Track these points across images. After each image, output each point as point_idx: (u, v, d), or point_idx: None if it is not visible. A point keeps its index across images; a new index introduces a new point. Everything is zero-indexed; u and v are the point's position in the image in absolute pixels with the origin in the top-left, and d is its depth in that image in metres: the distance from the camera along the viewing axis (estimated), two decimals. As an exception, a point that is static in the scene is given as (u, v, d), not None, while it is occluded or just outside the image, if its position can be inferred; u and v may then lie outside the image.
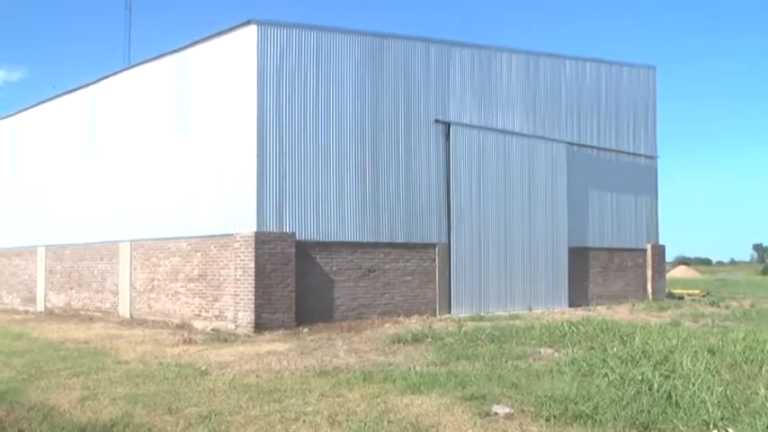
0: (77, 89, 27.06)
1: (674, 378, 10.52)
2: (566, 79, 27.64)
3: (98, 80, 25.93)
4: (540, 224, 26.00)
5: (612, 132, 29.37)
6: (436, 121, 23.18)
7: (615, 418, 8.72)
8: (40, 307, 28.36)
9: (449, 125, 23.48)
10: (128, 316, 23.29)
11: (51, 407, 12.14)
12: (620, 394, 9.72)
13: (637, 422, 8.59)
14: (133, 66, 24.65)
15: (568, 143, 27.31)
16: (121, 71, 25.03)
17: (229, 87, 20.21)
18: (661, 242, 31.43)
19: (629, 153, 29.98)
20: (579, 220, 27.62)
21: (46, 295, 28.21)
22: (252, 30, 19.49)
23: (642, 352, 12.56)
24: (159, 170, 22.63)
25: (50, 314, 26.69)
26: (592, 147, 28.43)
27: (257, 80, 19.31)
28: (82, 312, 25.55)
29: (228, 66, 20.28)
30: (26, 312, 27.96)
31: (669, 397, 9.43)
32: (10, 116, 31.55)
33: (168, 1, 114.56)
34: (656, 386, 9.91)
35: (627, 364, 11.62)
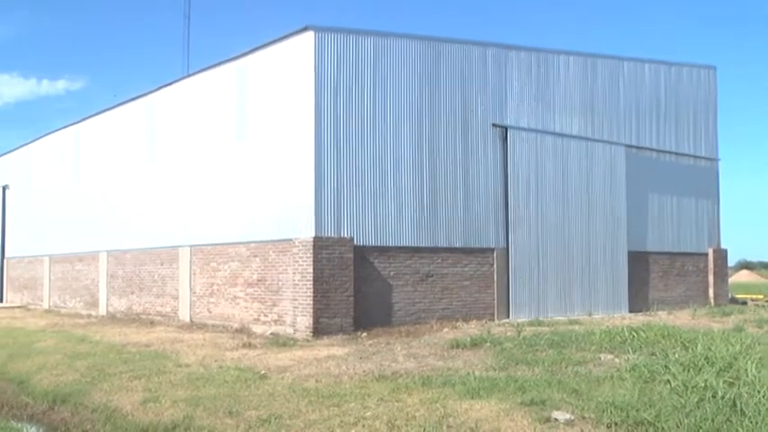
0: (137, 97, 27.49)
1: (738, 385, 10.23)
2: (624, 81, 27.30)
3: (158, 88, 26.31)
4: (599, 228, 25.70)
5: (672, 134, 28.93)
6: (494, 125, 23.06)
7: (678, 426, 8.58)
8: (102, 311, 28.83)
9: (506, 129, 23.34)
10: (188, 320, 23.56)
11: (114, 408, 12.37)
12: (683, 401, 9.55)
13: (700, 430, 8.45)
14: (192, 74, 24.96)
15: (627, 146, 26.96)
16: (180, 79, 25.37)
17: (287, 94, 20.34)
18: (723, 246, 30.84)
19: (689, 155, 29.48)
20: (639, 223, 27.24)
21: (108, 299, 28.67)
22: (309, 36, 19.59)
23: (705, 358, 12.26)
24: (218, 176, 22.86)
25: (112, 318, 27.13)
26: (651, 149, 28.02)
27: (314, 86, 19.40)
28: (143, 316, 25.92)
29: (286, 72, 20.41)
30: (89, 316, 28.45)
31: (734, 405, 9.21)
32: (73, 125, 32.20)
33: (225, 8, 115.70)
34: (720, 393, 9.68)
35: (689, 371, 11.36)
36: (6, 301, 37.60)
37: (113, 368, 15.21)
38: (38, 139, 35.49)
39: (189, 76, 25.14)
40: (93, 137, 30.53)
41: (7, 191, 38.27)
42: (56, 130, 33.73)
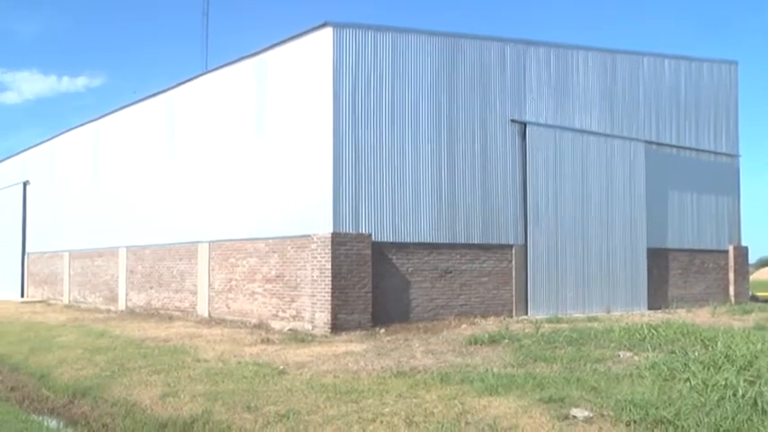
0: (157, 94, 27.61)
1: (759, 384, 10.14)
2: (644, 77, 27.15)
3: (177, 85, 26.41)
4: (618, 224, 25.58)
5: (692, 130, 28.74)
6: (512, 121, 23.00)
7: (698, 425, 8.51)
8: (121, 306, 28.99)
9: (525, 125, 23.27)
10: (206, 315, 23.66)
11: (133, 403, 12.43)
12: (703, 400, 9.48)
13: (720, 429, 8.38)
14: (211, 70, 25.02)
15: (647, 142, 26.81)
16: (199, 76, 25.45)
17: (306, 89, 20.36)
18: (744, 243, 30.63)
19: (709, 151, 29.28)
20: (658, 220, 27.09)
21: (127, 294, 28.83)
22: (328, 32, 19.61)
23: (725, 356, 12.17)
24: (237, 172, 22.92)
25: (131, 313, 27.27)
26: (671, 145, 27.85)
27: (333, 82, 19.42)
28: (161, 311, 26.04)
29: (305, 68, 20.44)
30: (108, 311, 28.62)
31: (755, 403, 9.13)
32: (93, 121, 32.38)
33: (243, 4, 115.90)
34: (740, 392, 9.61)
35: (709, 369, 11.28)
36: (27, 296, 37.89)
37: (133, 363, 15.28)
38: (58, 135, 35.73)
39: (208, 72, 25.21)
40: (113, 133, 30.68)
41: (28, 187, 38.55)
42: (76, 127, 33.93)
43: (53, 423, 12.44)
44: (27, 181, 38.61)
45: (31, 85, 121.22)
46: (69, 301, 33.36)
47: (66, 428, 12.12)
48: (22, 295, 38.35)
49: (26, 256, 38.61)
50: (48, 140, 36.94)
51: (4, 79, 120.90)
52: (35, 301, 35.30)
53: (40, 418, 12.76)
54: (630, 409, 9.13)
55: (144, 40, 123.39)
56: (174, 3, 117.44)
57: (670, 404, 9.27)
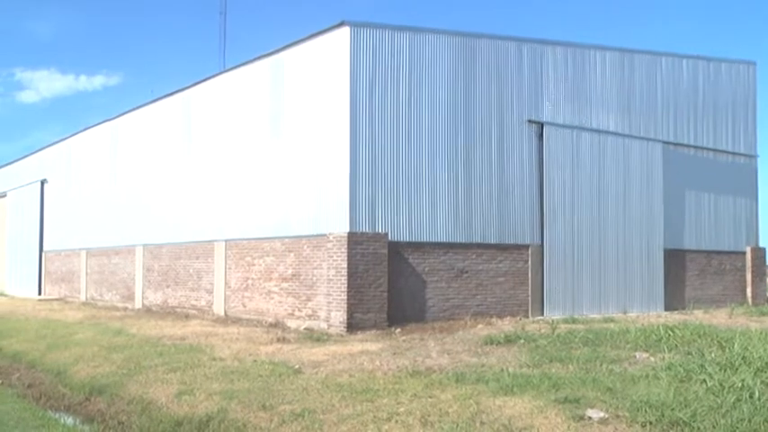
0: (174, 93, 27.69)
1: (776, 386, 10.11)
2: (661, 77, 27.01)
3: (194, 84, 26.49)
4: (634, 225, 25.46)
5: (710, 131, 28.58)
6: (529, 121, 22.94)
7: (714, 427, 8.45)
8: (137, 304, 29.11)
9: (542, 125, 23.21)
10: (222, 314, 23.71)
11: (149, 401, 12.48)
12: (719, 402, 9.39)
13: (737, 431, 8.33)
14: (228, 69, 25.06)
15: (664, 142, 26.68)
16: (217, 75, 25.50)
17: (322, 89, 20.38)
18: (761, 244, 30.46)
19: (727, 152, 29.10)
20: (675, 221, 26.95)
21: (143, 293, 28.94)
22: (345, 31, 19.61)
23: (742, 358, 12.07)
24: (253, 171, 22.97)
25: (148, 311, 27.36)
26: (688, 146, 27.71)
27: (350, 81, 19.42)
28: (178, 310, 26.12)
29: (321, 67, 20.45)
30: (125, 309, 28.73)
31: (772, 405, 9.08)
32: (110, 120, 32.52)
33: (260, 2, 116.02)
34: (757, 394, 9.55)
35: (726, 371, 11.18)
36: (45, 294, 38.09)
37: (149, 361, 15.34)
38: (76, 134, 35.91)
39: (225, 71, 25.25)
40: (131, 132, 30.81)
41: (46, 185, 38.76)
42: (93, 126, 34.09)
43: (70, 420, 12.51)
44: (45, 179, 38.83)
45: (48, 84, 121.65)
46: (86, 299, 33.52)
47: (83, 425, 12.18)
48: (40, 293, 38.57)
49: (43, 255, 38.82)
50: (65, 139, 37.14)
51: (23, 78, 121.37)
52: (52, 299, 35.48)
53: (57, 414, 12.84)
54: (646, 411, 9.08)
55: (161, 40, 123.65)
56: (192, 2, 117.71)
57: (686, 405, 9.21)
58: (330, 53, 20.11)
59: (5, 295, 40.27)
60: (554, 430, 8.83)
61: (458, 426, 9.13)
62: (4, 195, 44.60)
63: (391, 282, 19.51)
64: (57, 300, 35.16)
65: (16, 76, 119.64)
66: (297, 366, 13.69)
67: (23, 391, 15.01)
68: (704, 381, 10.63)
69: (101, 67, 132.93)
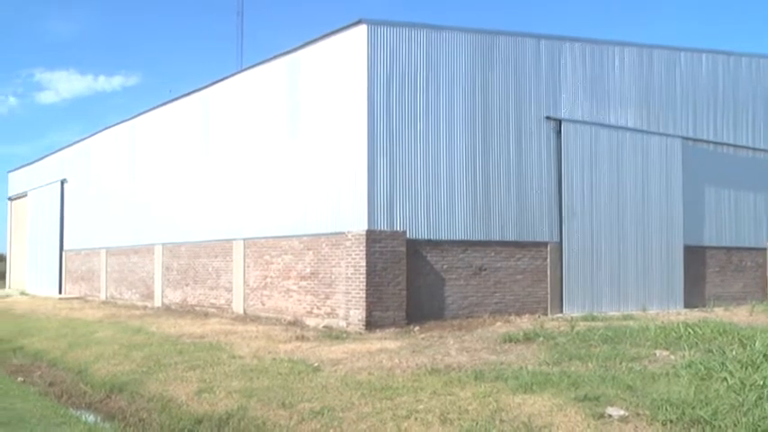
0: (192, 93, 27.80)
1: (798, 384, 10.02)
2: (680, 72, 26.83)
3: (212, 83, 26.58)
4: (654, 222, 25.31)
5: (730, 126, 28.35)
6: (547, 117, 22.84)
7: (735, 425, 8.39)
8: (157, 303, 29.24)
9: (560, 122, 23.11)
10: (241, 312, 23.77)
11: (169, 398, 12.55)
12: (741, 400, 9.33)
13: (758, 429, 8.26)
14: (245, 69, 25.13)
15: (684, 138, 26.49)
16: (234, 74, 25.57)
17: (340, 87, 20.38)
18: (783, 241, 30.22)
19: (747, 147, 28.84)
20: (695, 217, 26.76)
21: (163, 291, 29.06)
22: (362, 29, 19.60)
23: (764, 356, 11.92)
24: (271, 170, 23.01)
25: (167, 310, 27.49)
26: (708, 141, 27.49)
27: (367, 79, 19.41)
28: (197, 308, 26.21)
29: (339, 66, 20.45)
30: (144, 308, 28.88)
31: (793, 403, 9.00)
32: (129, 120, 32.71)
33: (277, 1, 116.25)
34: (778, 392, 9.49)
35: (747, 369, 11.09)
36: (65, 293, 38.34)
37: (169, 359, 15.42)
38: (95, 134, 36.12)
39: (242, 71, 25.32)
40: (149, 131, 30.96)
41: (66, 185, 39.00)
42: (113, 125, 34.29)
43: (91, 417, 12.60)
44: (65, 179, 39.07)
45: (68, 84, 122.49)
46: (106, 298, 33.71)
47: (104, 423, 12.26)
48: (60, 292, 38.83)
49: (64, 254, 39.07)
50: (85, 139, 37.37)
51: (42, 79, 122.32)
52: (72, 298, 35.72)
53: (78, 412, 12.92)
54: (666, 409, 9.04)
55: (179, 40, 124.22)
56: (209, 3, 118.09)
57: (707, 403, 9.15)
58: (347, 51, 20.11)
59: (27, 294, 40.61)
60: (574, 428, 8.81)
61: (477, 423, 9.12)
62: (25, 195, 44.95)
63: (410, 280, 19.49)
64: (77, 298, 35.39)
65: (36, 76, 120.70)
66: (316, 364, 13.71)
67: (45, 389, 15.13)
68: (725, 379, 10.56)
69: (119, 68, 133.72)
